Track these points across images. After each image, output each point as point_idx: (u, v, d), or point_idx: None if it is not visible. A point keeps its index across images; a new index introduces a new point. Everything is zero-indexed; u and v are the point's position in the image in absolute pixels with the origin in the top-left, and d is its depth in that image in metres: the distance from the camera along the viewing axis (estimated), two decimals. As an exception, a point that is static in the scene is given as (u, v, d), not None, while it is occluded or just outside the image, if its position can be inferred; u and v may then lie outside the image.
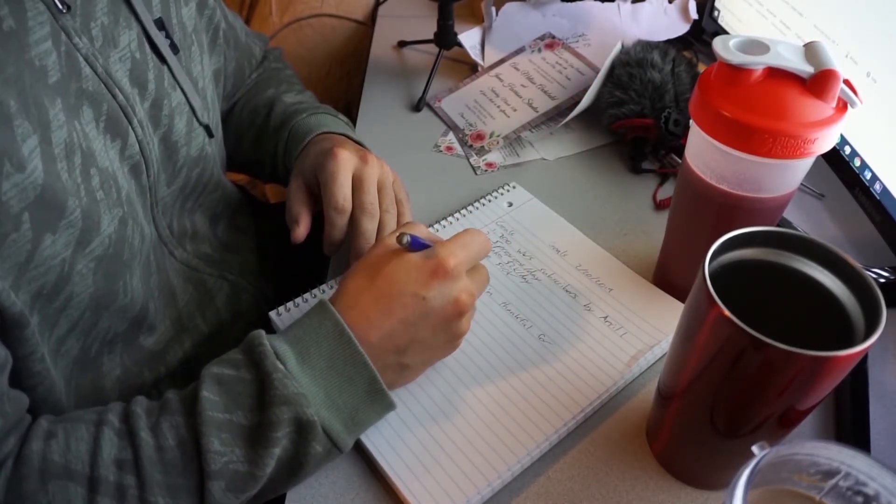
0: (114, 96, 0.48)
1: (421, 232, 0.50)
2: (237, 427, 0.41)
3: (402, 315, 0.45)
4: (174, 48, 0.55)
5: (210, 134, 0.60)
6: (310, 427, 0.41)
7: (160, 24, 0.54)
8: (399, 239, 0.46)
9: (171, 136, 0.55)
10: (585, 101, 0.73)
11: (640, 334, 0.53)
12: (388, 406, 0.45)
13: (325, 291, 0.58)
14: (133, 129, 0.50)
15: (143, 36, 0.52)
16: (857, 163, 0.59)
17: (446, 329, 0.46)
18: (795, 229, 0.63)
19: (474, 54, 0.88)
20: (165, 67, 0.54)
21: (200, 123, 0.58)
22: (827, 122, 0.41)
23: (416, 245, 0.47)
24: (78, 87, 0.45)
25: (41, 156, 0.41)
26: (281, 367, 0.42)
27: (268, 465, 0.41)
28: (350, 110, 1.05)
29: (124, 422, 0.41)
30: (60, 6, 0.44)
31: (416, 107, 0.83)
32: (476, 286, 0.48)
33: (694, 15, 0.85)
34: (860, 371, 0.51)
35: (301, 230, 0.58)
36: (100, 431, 0.40)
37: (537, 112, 0.78)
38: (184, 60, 0.57)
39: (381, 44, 0.96)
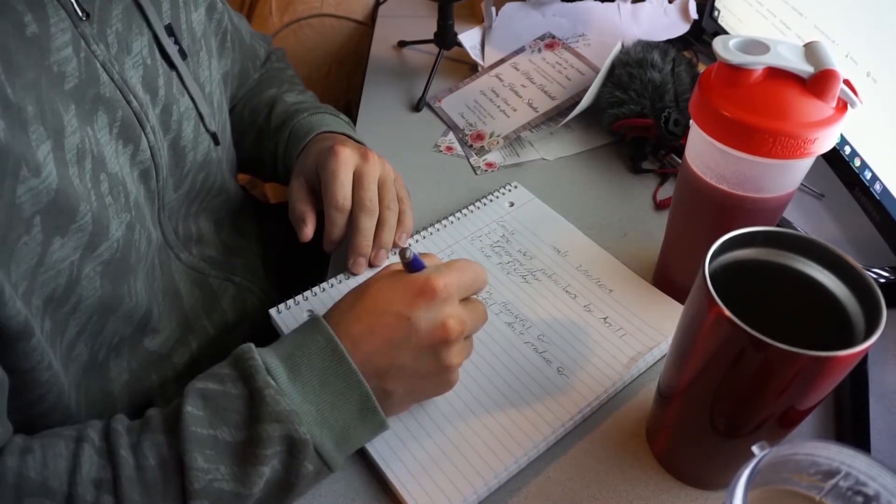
0: (128, 102, 0.48)
1: (432, 261, 0.47)
2: (222, 444, 0.39)
3: (386, 335, 0.43)
4: (183, 54, 0.55)
5: (216, 141, 0.60)
6: (302, 446, 0.40)
7: (170, 31, 0.54)
8: (402, 252, 0.45)
9: (179, 141, 0.55)
10: (585, 101, 0.73)
11: (640, 336, 0.53)
12: (381, 426, 0.44)
13: (324, 290, 0.58)
14: (146, 134, 0.50)
15: (153, 42, 0.52)
16: (857, 163, 0.59)
17: (432, 356, 0.44)
18: (795, 229, 0.63)
19: (474, 54, 0.88)
20: (174, 73, 0.54)
21: (208, 131, 0.58)
22: (827, 122, 0.41)
23: (417, 264, 0.45)
24: (95, 93, 0.46)
25: (54, 161, 0.41)
26: (273, 382, 0.40)
27: (255, 483, 0.39)
28: (350, 110, 1.05)
29: (104, 439, 0.40)
30: (80, 13, 0.44)
31: (416, 107, 0.83)
32: (469, 317, 0.45)
33: (694, 15, 0.85)
34: (860, 371, 0.51)
35: (308, 229, 0.59)
36: (79, 448, 0.39)
37: (537, 112, 0.78)
38: (192, 66, 0.57)
39: (381, 44, 0.96)
